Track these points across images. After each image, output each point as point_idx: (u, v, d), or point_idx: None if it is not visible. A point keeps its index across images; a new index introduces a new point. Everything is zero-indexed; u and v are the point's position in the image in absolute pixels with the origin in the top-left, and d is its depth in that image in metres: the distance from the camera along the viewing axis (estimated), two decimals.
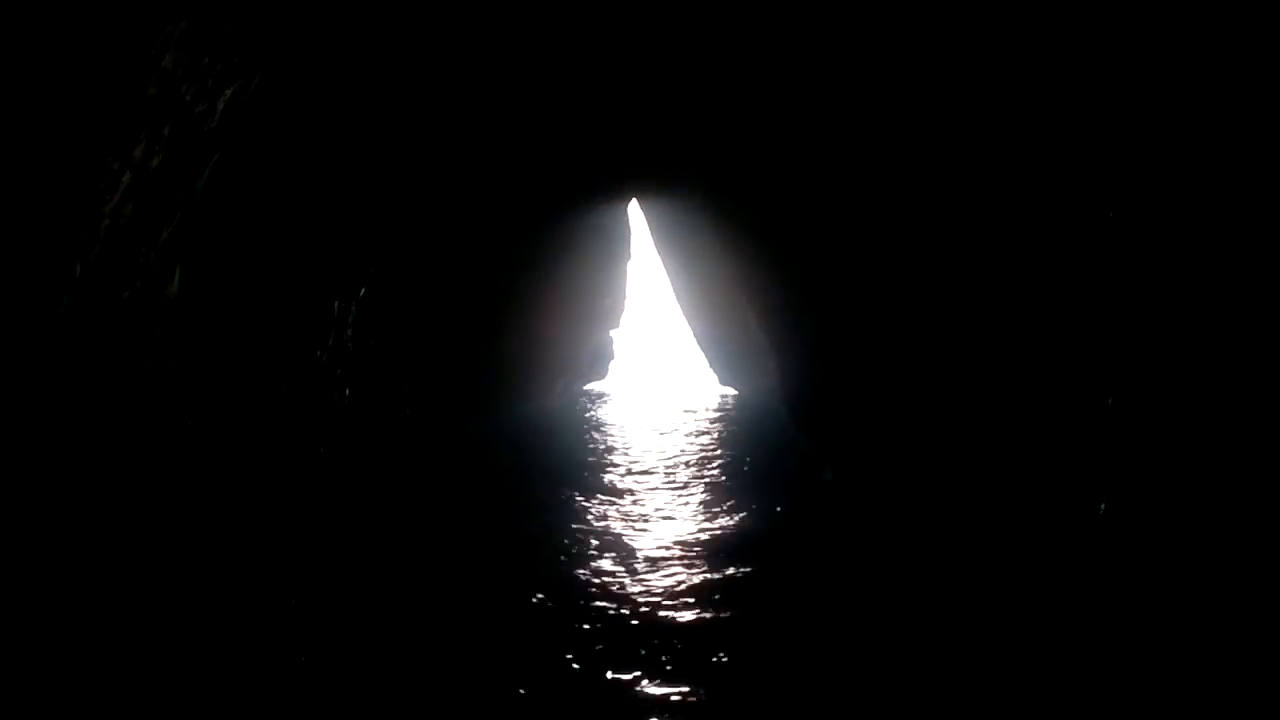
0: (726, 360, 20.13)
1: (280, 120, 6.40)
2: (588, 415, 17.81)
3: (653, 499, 10.66)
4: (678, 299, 20.91)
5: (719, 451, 13.63)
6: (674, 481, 11.62)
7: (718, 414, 17.64)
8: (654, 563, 8.23)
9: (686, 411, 18.07)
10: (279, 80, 5.99)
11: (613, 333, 22.15)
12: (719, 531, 9.28)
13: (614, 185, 17.06)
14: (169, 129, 4.50)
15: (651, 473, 12.15)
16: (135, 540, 5.29)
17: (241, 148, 5.83)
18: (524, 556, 8.20)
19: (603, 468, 12.52)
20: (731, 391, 20.41)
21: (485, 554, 8.17)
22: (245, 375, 6.52)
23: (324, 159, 7.35)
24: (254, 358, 6.62)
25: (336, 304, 7.97)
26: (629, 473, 12.15)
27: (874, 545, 8.27)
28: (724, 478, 11.81)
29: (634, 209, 20.19)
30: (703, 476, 11.85)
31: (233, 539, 6.48)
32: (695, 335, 20.96)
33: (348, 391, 8.72)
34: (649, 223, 19.99)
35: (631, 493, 11.01)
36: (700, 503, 10.51)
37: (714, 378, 21.17)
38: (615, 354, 22.38)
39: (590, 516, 9.81)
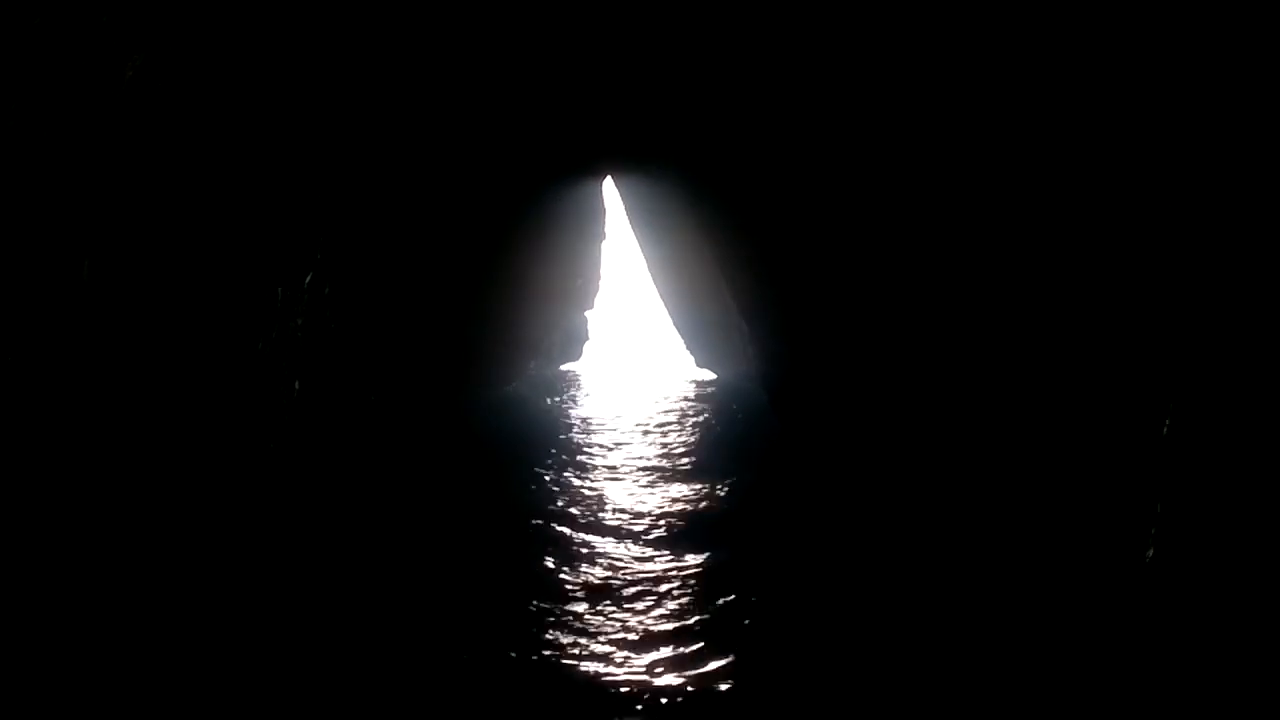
0: (704, 343, 19.70)
1: (209, 90, 5.79)
2: (560, 399, 17.46)
3: (629, 489, 10.44)
4: (653, 280, 20.38)
5: (695, 435, 13.39)
6: (650, 469, 11.40)
7: (694, 398, 17.31)
8: (631, 552, 8.00)
9: (663, 395, 17.73)
10: (205, 41, 5.38)
11: (587, 313, 21.60)
12: (696, 512, 9.22)
13: (588, 162, 16.50)
14: (53, 97, 3.90)
15: (629, 462, 11.87)
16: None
17: (159, 120, 5.23)
18: (495, 553, 7.87)
19: (577, 453, 12.26)
20: (709, 374, 20.01)
21: (451, 549, 7.84)
22: (171, 371, 5.96)
23: (262, 138, 6.75)
24: (181, 352, 6.06)
25: (280, 291, 7.40)
26: (604, 459, 11.91)
27: (849, 536, 7.95)
28: (700, 462, 11.63)
29: (609, 186, 19.58)
30: (678, 464, 11.65)
31: (156, 544, 5.95)
32: (671, 317, 20.47)
33: (297, 384, 8.19)
34: (624, 201, 19.41)
35: (610, 480, 10.81)
36: (675, 489, 10.34)
37: (690, 360, 20.71)
38: (589, 335, 21.85)
39: (564, 505, 9.56)
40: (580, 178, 17.36)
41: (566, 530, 8.72)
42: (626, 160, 16.26)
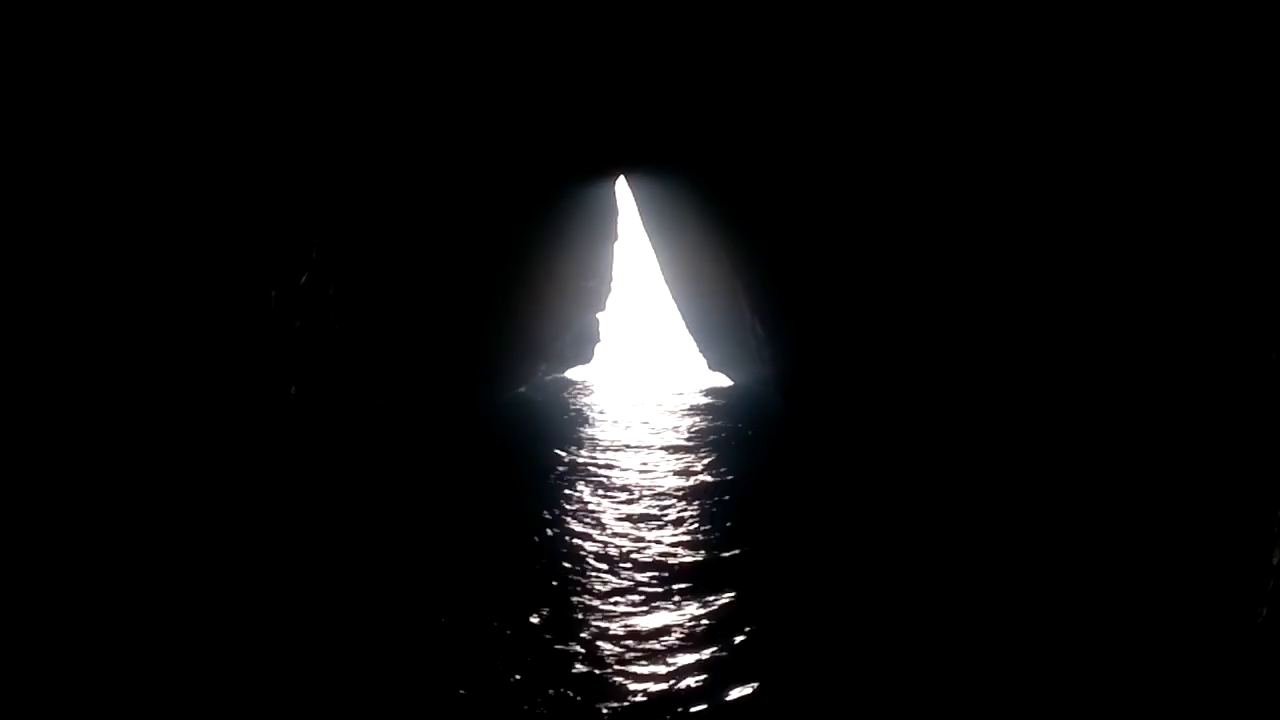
0: (717, 346, 19.34)
1: (190, 76, 5.49)
2: (571, 403, 17.16)
3: (639, 499, 10.14)
4: (666, 281, 20.04)
5: (709, 443, 13.04)
6: (660, 474, 11.11)
7: (710, 404, 16.95)
8: (637, 559, 7.66)
9: (676, 401, 17.37)
10: (188, 25, 5.07)
11: (599, 315, 21.27)
12: (709, 549, 8.71)
13: (601, 162, 16.18)
14: (24, 84, 3.60)
15: (640, 471, 11.55)
16: None
17: (133, 107, 4.93)
18: (499, 568, 7.56)
19: (587, 460, 11.97)
20: (723, 379, 19.65)
21: (451, 562, 7.54)
22: (149, 374, 5.66)
23: (253, 137, 6.46)
24: (161, 354, 5.76)
25: (274, 292, 7.10)
26: (615, 466, 11.61)
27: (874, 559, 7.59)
28: (712, 468, 11.29)
29: (621, 186, 19.25)
30: (692, 472, 11.32)
31: (131, 552, 5.66)
32: (684, 319, 20.12)
33: (294, 388, 7.90)
34: (637, 202, 19.08)
35: (621, 489, 10.50)
36: (689, 498, 10.00)
37: (703, 363, 20.36)
38: (600, 337, 21.51)
39: (573, 516, 9.27)
40: (593, 178, 17.03)
41: (568, 537, 8.49)
42: (639, 160, 15.94)
